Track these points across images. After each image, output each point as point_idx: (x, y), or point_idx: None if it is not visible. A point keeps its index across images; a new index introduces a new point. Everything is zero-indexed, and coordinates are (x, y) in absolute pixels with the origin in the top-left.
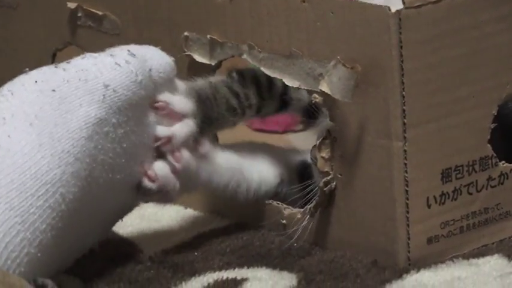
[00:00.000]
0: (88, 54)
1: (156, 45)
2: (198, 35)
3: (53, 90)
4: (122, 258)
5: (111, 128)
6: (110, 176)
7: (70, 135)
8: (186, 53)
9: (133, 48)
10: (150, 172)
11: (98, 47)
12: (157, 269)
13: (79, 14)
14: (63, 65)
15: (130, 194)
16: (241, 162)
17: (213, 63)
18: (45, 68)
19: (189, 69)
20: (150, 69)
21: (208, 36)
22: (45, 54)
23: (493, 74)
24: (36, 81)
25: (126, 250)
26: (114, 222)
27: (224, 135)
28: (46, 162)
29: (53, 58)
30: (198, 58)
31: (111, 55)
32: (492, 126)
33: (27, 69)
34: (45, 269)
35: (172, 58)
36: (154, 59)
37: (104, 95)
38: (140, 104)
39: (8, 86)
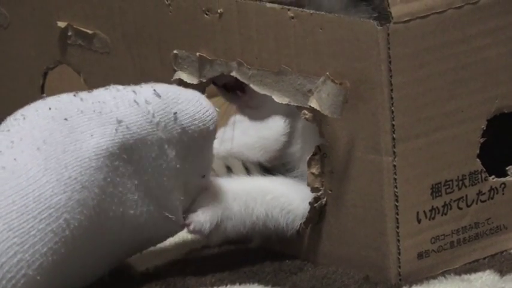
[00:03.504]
0: (112, 87)
1: (146, 62)
2: (187, 52)
3: (65, 119)
4: (114, 274)
5: (121, 163)
6: (120, 210)
7: (78, 163)
8: (175, 78)
9: (163, 88)
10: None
11: (88, 65)
12: (149, 285)
13: (69, 33)
14: (82, 94)
15: (150, 232)
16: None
17: (203, 81)
18: (63, 95)
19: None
20: (175, 113)
21: (197, 53)
22: (36, 73)
23: (481, 88)
24: (50, 108)
25: (119, 266)
26: (129, 255)
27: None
28: (51, 187)
29: (44, 77)
30: (187, 78)
31: (133, 91)
32: (481, 140)
33: (44, 95)
34: None
35: (217, 109)
36: (186, 103)
37: (116, 130)
38: (158, 146)
39: (22, 110)
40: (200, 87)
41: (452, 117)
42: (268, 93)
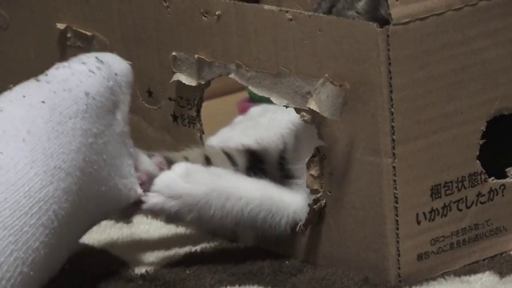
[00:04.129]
0: (61, 65)
1: (144, 64)
2: (186, 54)
3: (43, 102)
4: (113, 276)
5: (93, 139)
6: (96, 188)
7: (61, 150)
8: (173, 80)
9: (99, 55)
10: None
11: None
12: (148, 287)
13: (68, 35)
14: (43, 77)
15: (113, 207)
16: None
17: (201, 83)
18: (28, 82)
19: (178, 88)
20: (116, 74)
21: (195, 55)
22: (35, 74)
23: (481, 89)
24: (24, 96)
25: (117, 268)
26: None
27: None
28: (39, 180)
29: None
30: (186, 80)
31: (82, 63)
32: (481, 142)
33: (11, 85)
34: (36, 286)
35: (129, 62)
36: (116, 64)
37: (86, 104)
38: (111, 111)
39: None
40: (199, 89)
41: (451, 119)
42: (266, 95)
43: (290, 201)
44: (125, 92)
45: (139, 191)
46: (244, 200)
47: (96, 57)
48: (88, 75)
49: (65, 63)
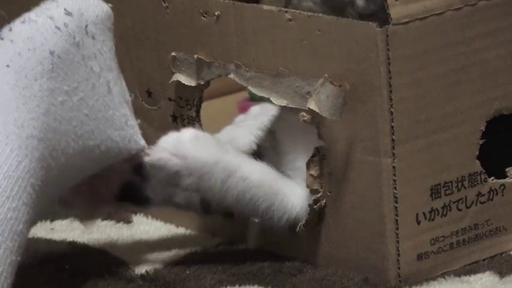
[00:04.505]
0: (27, 18)
1: (144, 64)
2: (185, 54)
3: (7, 66)
4: (113, 276)
5: (65, 97)
6: (80, 143)
7: (31, 116)
8: (173, 80)
9: (70, 3)
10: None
11: None
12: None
13: None
14: (7, 34)
15: (112, 158)
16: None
17: (201, 83)
18: None
19: (178, 88)
20: (87, 25)
21: (195, 56)
22: None
23: (481, 89)
24: None
25: (117, 268)
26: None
27: (213, 119)
28: (15, 156)
29: None
30: (185, 80)
31: (50, 17)
32: (480, 142)
33: None
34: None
35: (110, 5)
36: (89, 12)
37: (52, 63)
38: (84, 65)
39: None
40: (198, 89)
41: (451, 119)
42: (266, 96)
43: (293, 200)
44: (99, 40)
45: (143, 142)
46: (248, 182)
47: (65, 9)
48: (53, 33)
49: (32, 15)
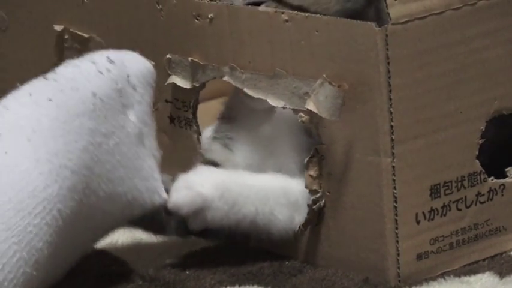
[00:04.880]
0: (70, 63)
1: None
2: (180, 57)
3: (50, 100)
4: (113, 277)
5: (103, 139)
6: (110, 187)
7: (67, 148)
8: (168, 82)
9: (112, 54)
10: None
11: None
12: None
13: (66, 37)
14: (51, 75)
15: (136, 210)
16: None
17: (196, 85)
18: (36, 81)
19: (174, 90)
20: (128, 76)
21: (189, 58)
22: (34, 76)
23: (480, 89)
24: (30, 94)
25: (117, 269)
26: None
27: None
28: (43, 179)
29: None
30: (180, 83)
31: (92, 62)
32: (480, 141)
33: (18, 84)
34: (40, 286)
35: (152, 62)
36: (132, 64)
37: (93, 104)
38: (122, 112)
39: (2, 102)
40: (194, 92)
41: (451, 119)
42: (262, 97)
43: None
44: (140, 92)
45: (165, 195)
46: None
47: (108, 57)
48: (96, 76)
49: (76, 61)
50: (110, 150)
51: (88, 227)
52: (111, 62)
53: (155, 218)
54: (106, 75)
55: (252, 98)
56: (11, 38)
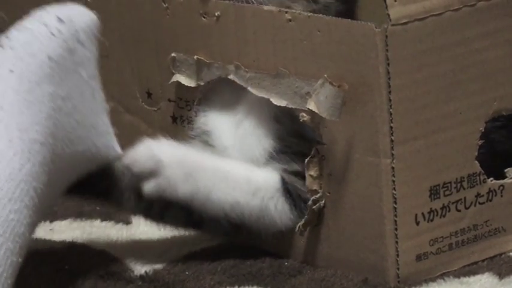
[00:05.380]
0: (21, 26)
1: (143, 65)
2: (185, 55)
3: (11, 71)
4: (112, 277)
5: (62, 102)
6: (72, 149)
7: (34, 120)
8: (173, 81)
9: (60, 11)
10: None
11: None
12: None
13: None
14: (5, 42)
15: (91, 165)
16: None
17: (200, 84)
18: None
19: (178, 89)
20: (77, 31)
21: (195, 57)
22: None
23: (480, 90)
24: None
25: (116, 269)
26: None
27: None
28: (18, 159)
29: None
30: (185, 81)
31: (43, 24)
32: (479, 142)
33: None
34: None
35: (94, 12)
36: (79, 18)
37: (50, 68)
38: (75, 71)
39: None
40: (198, 90)
41: (450, 119)
42: (266, 96)
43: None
44: (88, 48)
45: (119, 149)
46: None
47: (57, 16)
48: (49, 38)
49: (27, 23)
50: (69, 112)
51: (55, 191)
52: (61, 21)
53: (113, 185)
54: (58, 36)
55: None
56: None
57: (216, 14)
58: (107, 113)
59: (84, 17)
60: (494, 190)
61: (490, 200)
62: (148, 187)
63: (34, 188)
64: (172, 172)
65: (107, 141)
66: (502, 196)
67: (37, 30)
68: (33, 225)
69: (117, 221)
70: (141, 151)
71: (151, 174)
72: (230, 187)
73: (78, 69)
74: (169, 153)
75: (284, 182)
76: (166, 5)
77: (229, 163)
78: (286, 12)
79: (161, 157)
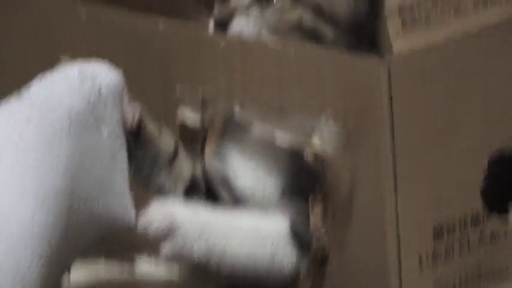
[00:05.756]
0: (44, 79)
1: (148, 99)
2: (190, 88)
3: (28, 122)
4: None
5: (79, 158)
6: (88, 207)
7: (50, 170)
8: (178, 113)
9: (84, 67)
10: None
11: None
12: None
13: None
14: (26, 95)
15: (108, 230)
16: None
17: (205, 117)
18: (12, 101)
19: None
20: (100, 88)
21: (200, 90)
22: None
23: (484, 126)
24: (8, 117)
25: None
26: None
27: None
28: (31, 207)
29: None
30: (190, 114)
31: (65, 78)
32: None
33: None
34: None
35: (120, 71)
36: (103, 75)
37: (69, 123)
38: (96, 128)
39: None
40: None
41: (453, 155)
42: (271, 132)
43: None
44: (110, 105)
45: (134, 211)
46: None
47: (80, 71)
48: (70, 93)
49: (48, 77)
50: (86, 169)
51: (72, 252)
52: (84, 76)
53: None
54: (80, 92)
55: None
56: (12, 43)
57: (221, 46)
58: (125, 175)
59: (108, 75)
60: (498, 229)
61: (494, 240)
62: (166, 249)
63: (47, 237)
64: (186, 230)
65: (123, 202)
66: (506, 236)
67: (58, 84)
68: (46, 278)
69: None
70: (154, 212)
71: (168, 234)
72: (241, 242)
73: (100, 126)
74: (181, 211)
75: (293, 225)
76: (171, 37)
77: (239, 215)
78: (291, 47)
79: (175, 216)
